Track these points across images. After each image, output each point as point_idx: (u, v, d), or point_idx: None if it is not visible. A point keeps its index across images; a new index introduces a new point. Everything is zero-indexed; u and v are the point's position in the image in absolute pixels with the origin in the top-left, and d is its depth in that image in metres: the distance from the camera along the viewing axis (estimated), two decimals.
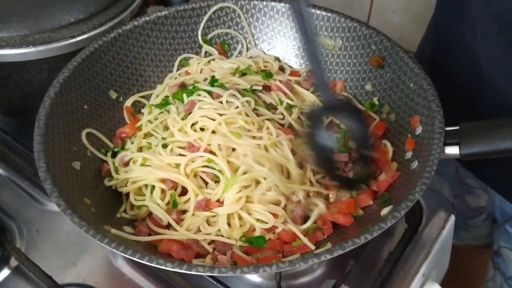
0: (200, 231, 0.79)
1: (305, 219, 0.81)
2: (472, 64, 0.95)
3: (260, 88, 0.93)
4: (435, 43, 1.09)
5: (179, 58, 1.01)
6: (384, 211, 0.73)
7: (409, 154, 0.82)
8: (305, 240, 0.76)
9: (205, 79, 0.94)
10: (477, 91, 0.95)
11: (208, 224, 0.79)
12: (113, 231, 0.73)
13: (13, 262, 0.85)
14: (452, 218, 0.95)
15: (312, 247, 0.75)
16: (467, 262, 1.44)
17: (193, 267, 0.62)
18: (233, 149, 0.82)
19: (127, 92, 0.95)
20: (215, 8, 1.00)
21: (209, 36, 1.02)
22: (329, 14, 0.97)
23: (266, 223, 0.78)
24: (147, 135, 0.90)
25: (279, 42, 1.03)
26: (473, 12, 0.92)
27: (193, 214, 0.79)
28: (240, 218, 0.79)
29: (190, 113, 0.86)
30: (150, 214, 0.81)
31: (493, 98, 0.93)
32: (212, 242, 0.77)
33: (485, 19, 0.89)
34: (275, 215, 0.79)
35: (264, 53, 1.03)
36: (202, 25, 1.00)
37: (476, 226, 1.26)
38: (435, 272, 0.94)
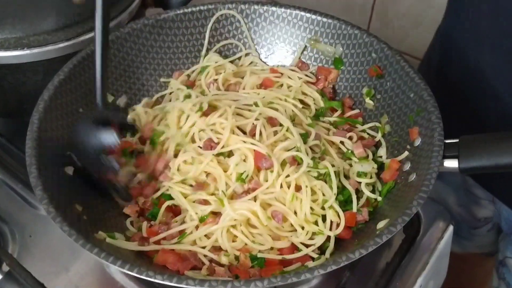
0: (196, 243, 0.77)
1: None
2: (477, 79, 0.94)
3: None
4: (441, 54, 1.08)
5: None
6: (380, 224, 0.72)
7: (407, 166, 0.80)
8: (307, 251, 0.75)
9: None
10: (481, 104, 0.94)
11: (206, 237, 0.77)
12: (109, 240, 0.72)
13: (5, 267, 0.84)
14: (451, 228, 0.94)
15: (314, 255, 0.74)
16: (468, 269, 1.44)
17: (183, 280, 0.61)
18: None
19: (124, 96, 0.94)
20: (216, 15, 0.99)
21: (211, 51, 1.01)
22: (330, 21, 0.96)
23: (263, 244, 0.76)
24: None
25: (278, 48, 1.01)
26: (482, 30, 0.91)
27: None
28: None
29: None
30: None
31: (497, 111, 0.92)
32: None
33: (494, 37, 0.88)
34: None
35: (261, 60, 1.02)
36: (207, 37, 1.00)
37: (480, 235, 1.25)
38: (432, 283, 0.93)
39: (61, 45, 0.89)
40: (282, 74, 0.98)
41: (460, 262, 1.30)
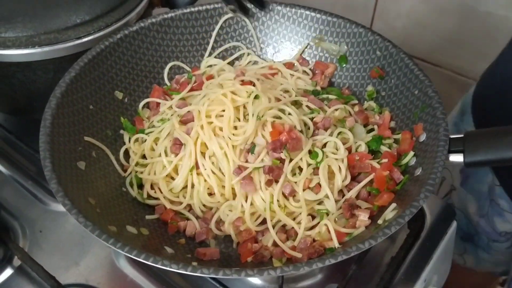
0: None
1: None
2: None
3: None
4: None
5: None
6: (389, 216, 0.73)
7: (413, 161, 0.82)
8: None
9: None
10: None
11: None
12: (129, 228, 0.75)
13: (16, 261, 0.85)
14: (454, 225, 0.95)
15: (337, 244, 0.75)
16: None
17: (198, 269, 0.62)
18: None
19: (132, 93, 0.95)
20: (223, 19, 1.01)
21: (216, 52, 1.03)
22: (334, 19, 0.97)
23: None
24: None
25: (284, 46, 1.03)
26: None
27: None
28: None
29: None
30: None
31: None
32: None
33: None
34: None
35: (264, 59, 1.04)
36: (213, 37, 1.02)
37: (499, 250, 1.23)
38: (436, 277, 0.95)
39: (71, 43, 0.90)
40: (279, 70, 1.00)
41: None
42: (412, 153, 0.82)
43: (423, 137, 0.82)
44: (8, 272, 0.85)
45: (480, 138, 0.74)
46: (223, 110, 0.85)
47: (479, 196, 1.18)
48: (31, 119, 0.85)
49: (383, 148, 0.86)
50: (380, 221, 0.74)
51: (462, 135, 0.75)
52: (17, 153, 1.00)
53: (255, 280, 0.86)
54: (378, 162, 0.82)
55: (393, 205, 0.75)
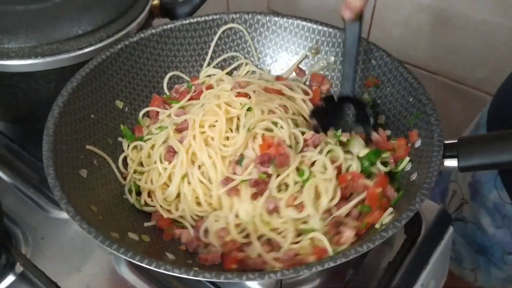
0: None
1: None
2: None
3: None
4: None
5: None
6: (386, 220, 0.75)
7: (408, 166, 0.84)
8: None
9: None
10: None
11: None
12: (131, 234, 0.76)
13: (18, 268, 0.86)
14: (451, 229, 0.97)
15: (331, 251, 0.76)
16: None
17: (200, 273, 0.63)
18: None
19: (133, 103, 0.97)
20: (221, 30, 1.02)
21: (215, 62, 1.05)
22: (330, 30, 0.99)
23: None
24: None
25: (281, 56, 1.05)
26: None
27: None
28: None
29: None
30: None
31: None
32: None
33: None
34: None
35: (260, 69, 1.06)
36: (211, 48, 1.04)
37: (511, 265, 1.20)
38: (433, 282, 0.96)
39: (73, 54, 0.92)
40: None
41: None
42: (407, 158, 0.84)
43: (418, 143, 0.84)
44: (11, 278, 0.86)
45: (473, 143, 0.75)
46: (217, 121, 0.87)
47: (489, 208, 1.15)
48: (34, 128, 0.86)
49: (377, 168, 0.85)
50: (377, 226, 0.76)
51: (456, 141, 0.77)
52: (19, 161, 1.01)
53: (253, 286, 0.87)
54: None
55: (390, 209, 0.77)
